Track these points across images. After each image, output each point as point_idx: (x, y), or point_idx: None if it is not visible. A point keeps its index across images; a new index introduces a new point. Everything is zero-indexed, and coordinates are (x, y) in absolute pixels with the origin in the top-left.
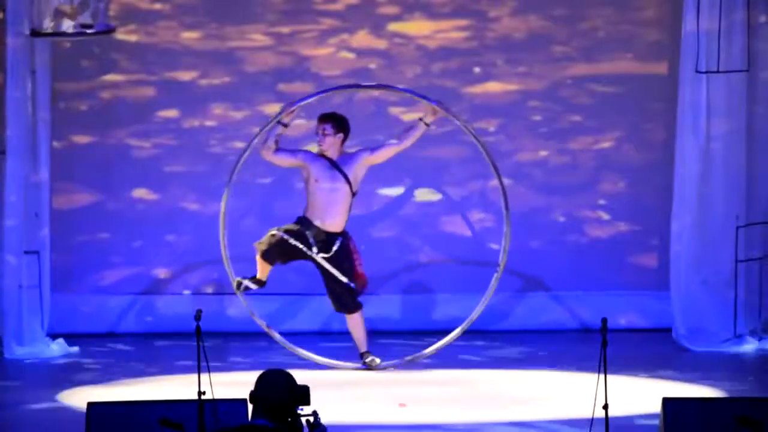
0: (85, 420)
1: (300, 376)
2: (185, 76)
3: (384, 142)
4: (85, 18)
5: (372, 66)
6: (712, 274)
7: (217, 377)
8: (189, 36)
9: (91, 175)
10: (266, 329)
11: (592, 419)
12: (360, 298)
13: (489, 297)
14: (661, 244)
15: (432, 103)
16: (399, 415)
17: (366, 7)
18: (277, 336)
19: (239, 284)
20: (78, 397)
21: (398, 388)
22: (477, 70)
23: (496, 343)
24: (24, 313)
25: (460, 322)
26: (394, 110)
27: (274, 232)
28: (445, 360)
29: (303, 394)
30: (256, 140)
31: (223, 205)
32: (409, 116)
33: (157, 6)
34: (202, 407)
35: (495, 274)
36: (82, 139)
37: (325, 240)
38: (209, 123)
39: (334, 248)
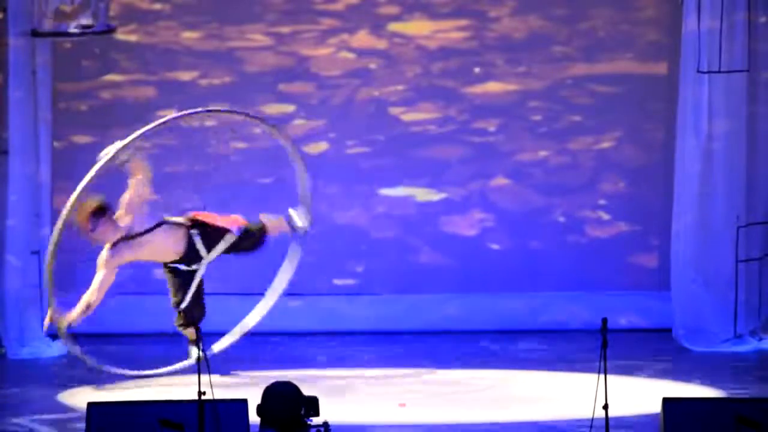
0: (85, 420)
1: (300, 376)
2: (185, 76)
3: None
4: (86, 18)
5: (372, 66)
6: (713, 274)
7: (217, 377)
8: (189, 36)
9: None
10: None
11: (592, 419)
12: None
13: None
14: (662, 244)
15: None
16: (399, 415)
17: (366, 7)
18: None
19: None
20: (78, 397)
21: (398, 388)
22: (477, 70)
23: (496, 343)
24: (24, 313)
25: (460, 322)
26: (394, 110)
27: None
28: (446, 360)
29: (312, 405)
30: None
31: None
32: (409, 116)
33: (157, 6)
34: (202, 407)
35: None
36: (82, 139)
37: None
38: (209, 123)
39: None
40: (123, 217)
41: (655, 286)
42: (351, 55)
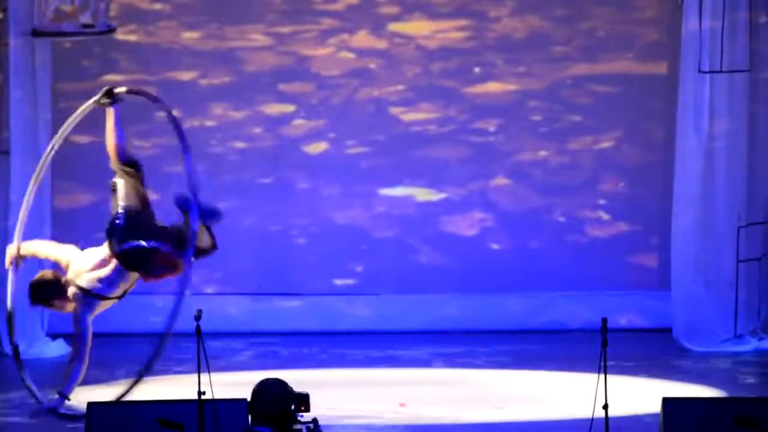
0: (85, 420)
1: (301, 376)
2: (185, 76)
3: None
4: (86, 18)
5: (372, 66)
6: (713, 274)
7: (217, 377)
8: (189, 36)
9: (91, 175)
10: None
11: (592, 419)
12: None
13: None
14: (662, 244)
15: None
16: (399, 415)
17: (366, 7)
18: None
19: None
20: (78, 397)
21: (398, 388)
22: (477, 70)
23: (496, 343)
24: (24, 313)
25: (460, 322)
26: (394, 110)
27: None
28: (446, 360)
29: (302, 401)
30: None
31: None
32: (409, 116)
33: (157, 6)
34: (202, 407)
35: None
36: (82, 139)
37: None
38: (209, 123)
39: None
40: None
41: (655, 286)
42: (351, 55)
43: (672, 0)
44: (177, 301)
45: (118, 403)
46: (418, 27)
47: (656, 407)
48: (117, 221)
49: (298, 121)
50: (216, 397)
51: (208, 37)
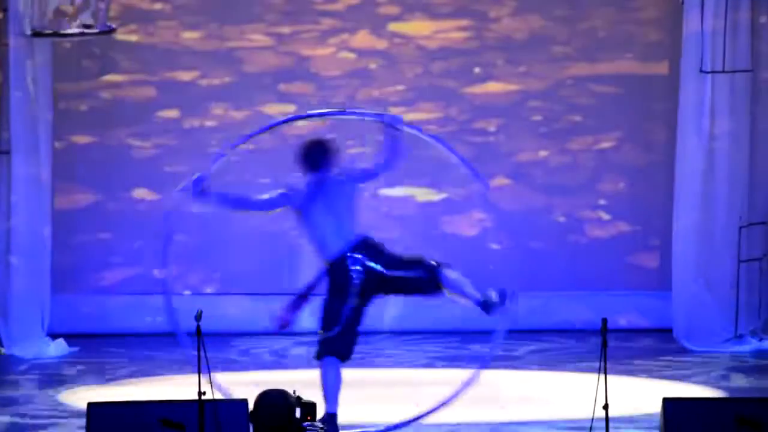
0: (85, 420)
1: (300, 377)
2: (185, 76)
3: None
4: (86, 18)
5: (372, 66)
6: (714, 274)
7: (218, 377)
8: (189, 36)
9: (91, 175)
10: None
11: (592, 419)
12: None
13: None
14: (662, 244)
15: (385, 121)
16: (399, 415)
17: (366, 7)
18: None
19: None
20: (78, 397)
21: (399, 388)
22: (477, 70)
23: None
24: (24, 313)
25: (460, 322)
26: (394, 110)
27: None
28: (446, 360)
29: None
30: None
31: None
32: (409, 116)
33: (157, 6)
34: (202, 407)
35: None
36: (82, 139)
37: None
38: (209, 123)
39: None
40: None
41: (656, 286)
42: (351, 55)
43: (672, 0)
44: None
45: (118, 404)
46: (418, 27)
47: (656, 407)
48: None
49: (299, 123)
50: (216, 397)
51: (208, 37)
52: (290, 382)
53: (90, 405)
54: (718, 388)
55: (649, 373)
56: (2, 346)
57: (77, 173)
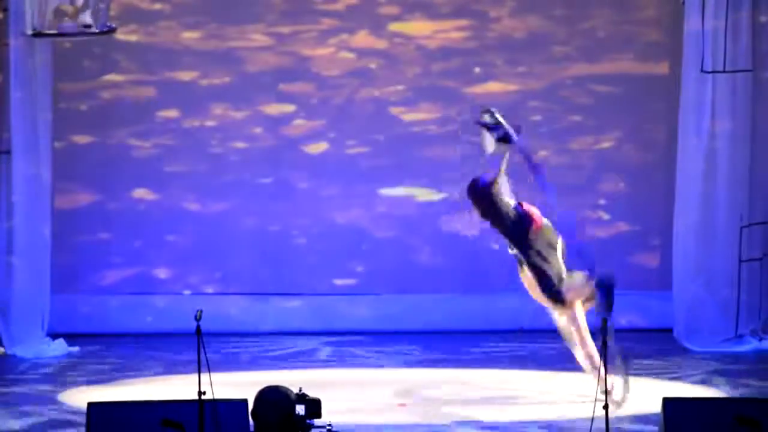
0: (85, 420)
1: (300, 377)
2: (185, 76)
3: None
4: (86, 18)
5: (372, 66)
6: (715, 274)
7: (217, 377)
8: (189, 36)
9: (91, 175)
10: None
11: (592, 419)
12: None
13: None
14: (662, 244)
15: (513, 138)
16: (399, 415)
17: (366, 7)
18: None
19: None
20: (78, 397)
21: (398, 388)
22: (477, 70)
23: (496, 343)
24: (24, 313)
25: (460, 322)
26: (394, 110)
27: None
28: (446, 360)
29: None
30: None
31: None
32: (409, 116)
33: (157, 6)
34: (202, 407)
35: None
36: (82, 139)
37: None
38: (209, 123)
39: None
40: None
41: (656, 286)
42: (351, 55)
43: (672, 0)
44: None
45: (118, 403)
46: (418, 27)
47: (656, 407)
48: None
49: (298, 121)
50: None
51: (208, 37)
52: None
53: (90, 405)
54: (718, 388)
55: (649, 373)
56: (2, 346)
57: (77, 173)
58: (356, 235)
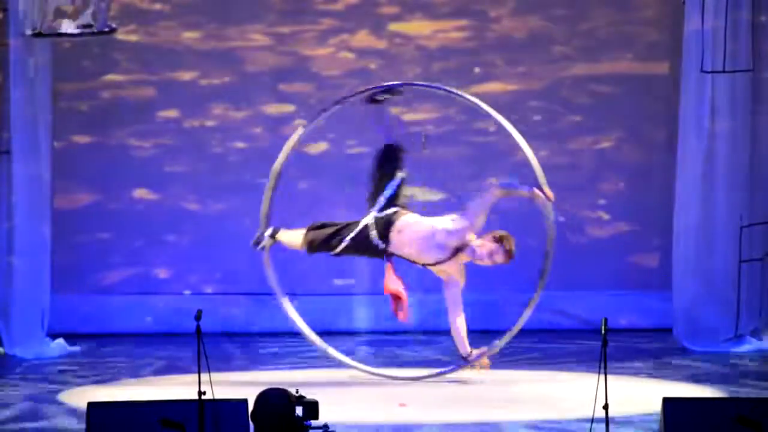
0: (85, 420)
1: (300, 378)
2: (185, 76)
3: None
4: (86, 18)
5: (372, 66)
6: (715, 274)
7: (218, 377)
8: (189, 36)
9: (91, 175)
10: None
11: (593, 419)
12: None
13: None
14: (662, 244)
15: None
16: (399, 415)
17: (366, 7)
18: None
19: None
20: (78, 397)
21: (398, 388)
22: (477, 70)
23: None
24: (25, 313)
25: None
26: (394, 110)
27: None
28: (446, 360)
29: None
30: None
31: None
32: (409, 116)
33: (157, 6)
34: (202, 407)
35: None
36: (82, 139)
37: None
38: (209, 123)
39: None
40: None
41: (656, 286)
42: (351, 55)
43: (672, 0)
44: None
45: (118, 403)
46: (418, 27)
47: (656, 407)
48: None
49: (298, 121)
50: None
51: (208, 37)
52: (290, 382)
53: (90, 405)
54: (718, 388)
55: (649, 373)
56: (2, 346)
57: (77, 173)
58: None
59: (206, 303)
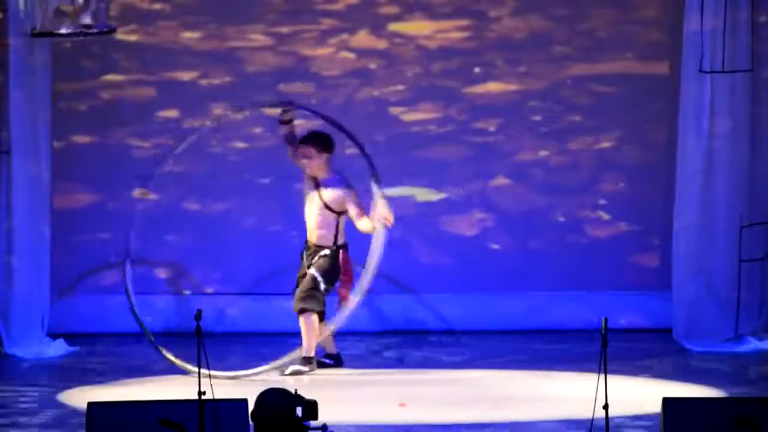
0: (85, 420)
1: (300, 376)
2: (185, 76)
3: (356, 207)
4: (86, 18)
5: (372, 66)
6: (715, 274)
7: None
8: (189, 36)
9: (91, 175)
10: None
11: (592, 419)
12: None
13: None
14: (662, 244)
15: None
16: (399, 415)
17: (366, 7)
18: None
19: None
20: (78, 397)
21: (398, 388)
22: (477, 70)
23: (497, 343)
24: (25, 312)
25: (460, 322)
26: (394, 110)
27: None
28: (446, 360)
29: (310, 409)
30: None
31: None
32: (409, 116)
33: (157, 6)
34: (202, 407)
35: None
36: (82, 139)
37: (313, 252)
38: (209, 123)
39: (316, 258)
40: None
41: (656, 286)
42: (351, 55)
43: (673, 0)
44: None
45: (118, 403)
46: (418, 27)
47: (656, 407)
48: None
49: (298, 121)
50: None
51: (208, 37)
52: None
53: (90, 405)
54: (718, 388)
55: (649, 373)
56: (2, 346)
57: (77, 173)
58: (356, 235)
59: (206, 303)
